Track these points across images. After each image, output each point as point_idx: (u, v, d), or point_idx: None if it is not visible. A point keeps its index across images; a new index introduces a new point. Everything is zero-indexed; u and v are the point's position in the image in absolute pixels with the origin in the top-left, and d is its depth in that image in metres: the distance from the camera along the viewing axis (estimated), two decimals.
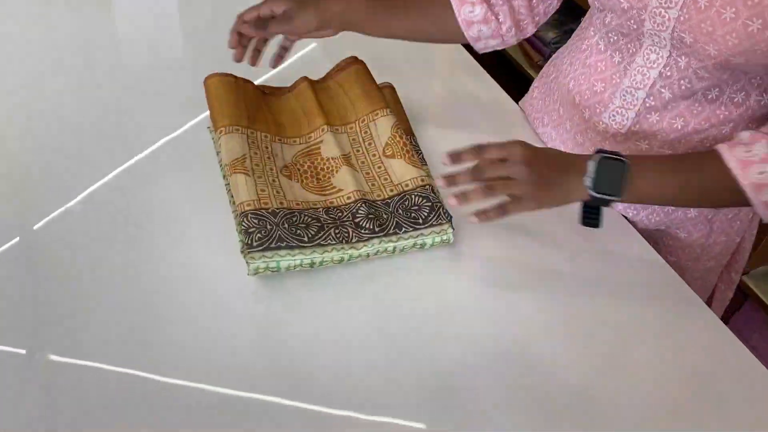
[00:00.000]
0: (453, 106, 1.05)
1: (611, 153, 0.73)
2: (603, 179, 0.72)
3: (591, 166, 0.72)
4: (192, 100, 0.94)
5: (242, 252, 0.76)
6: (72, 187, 0.86)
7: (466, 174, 0.74)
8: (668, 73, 0.79)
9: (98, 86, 1.01)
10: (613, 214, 0.90)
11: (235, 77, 0.91)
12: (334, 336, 0.74)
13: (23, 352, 0.70)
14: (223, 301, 0.76)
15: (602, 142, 0.89)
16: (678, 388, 0.73)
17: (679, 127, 0.82)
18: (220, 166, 0.87)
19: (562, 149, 0.89)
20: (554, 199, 0.74)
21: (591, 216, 0.76)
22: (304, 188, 0.85)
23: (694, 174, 0.75)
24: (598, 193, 0.72)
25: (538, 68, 1.92)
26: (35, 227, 0.81)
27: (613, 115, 0.86)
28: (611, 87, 0.85)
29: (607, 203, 0.74)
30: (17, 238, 0.80)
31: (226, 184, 0.85)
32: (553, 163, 0.75)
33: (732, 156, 0.72)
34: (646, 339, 0.78)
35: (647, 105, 0.83)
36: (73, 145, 0.91)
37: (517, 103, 1.07)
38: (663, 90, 0.80)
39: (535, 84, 1.04)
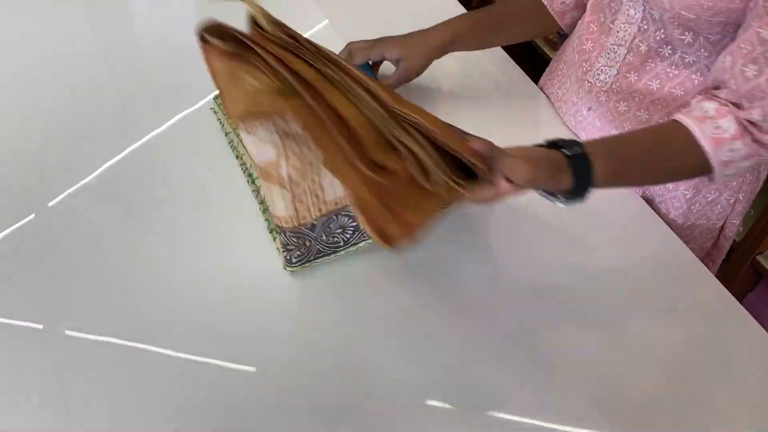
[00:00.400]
0: (470, 83, 1.04)
1: (574, 149, 0.68)
2: (579, 182, 0.68)
3: (571, 179, 0.67)
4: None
5: (283, 266, 0.77)
6: (88, 163, 0.86)
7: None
8: (645, 27, 0.83)
9: (115, 63, 1.01)
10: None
11: (242, 55, 0.65)
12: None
13: (40, 327, 0.71)
14: (244, 277, 0.77)
15: (589, 101, 0.93)
16: (683, 354, 0.75)
17: (655, 89, 0.85)
18: (231, 147, 0.86)
19: (564, 108, 0.99)
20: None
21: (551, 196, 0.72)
22: None
23: (658, 148, 0.74)
24: (574, 197, 0.69)
25: (552, 45, 1.90)
26: (50, 204, 0.82)
27: (598, 74, 0.90)
28: (598, 46, 0.90)
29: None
30: (33, 215, 0.80)
31: (250, 175, 0.84)
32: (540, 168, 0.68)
33: (703, 133, 0.72)
34: (649, 306, 0.79)
35: (627, 61, 0.87)
36: (90, 122, 0.91)
37: (536, 83, 1.07)
38: (641, 44, 0.84)
39: (555, 58, 1.06)
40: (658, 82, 0.85)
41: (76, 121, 0.91)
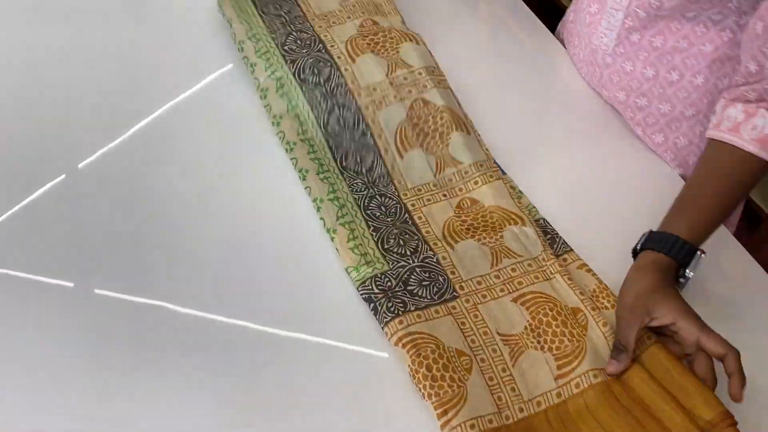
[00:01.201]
0: (492, 44, 1.03)
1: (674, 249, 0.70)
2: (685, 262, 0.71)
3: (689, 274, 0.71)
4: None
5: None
6: (118, 125, 0.87)
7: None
8: None
9: (145, 23, 1.01)
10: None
11: None
12: None
13: (71, 285, 0.72)
14: (276, 239, 0.78)
15: (594, 61, 0.93)
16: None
17: (659, 45, 0.84)
18: (279, 136, 0.85)
19: (574, 71, 0.98)
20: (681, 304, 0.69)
21: None
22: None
23: (716, 179, 0.74)
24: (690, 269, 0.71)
25: None
26: (80, 165, 0.83)
27: (601, 37, 0.90)
28: (602, 9, 0.89)
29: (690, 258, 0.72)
30: (63, 176, 0.82)
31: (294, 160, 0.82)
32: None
33: (744, 140, 0.72)
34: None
35: (626, 26, 0.86)
36: (119, 84, 0.92)
37: (553, 33, 1.07)
38: (638, 9, 0.83)
39: (570, 8, 1.04)
40: (661, 38, 0.84)
41: (109, 82, 0.92)
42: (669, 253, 0.70)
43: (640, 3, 0.82)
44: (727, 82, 0.82)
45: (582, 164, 0.89)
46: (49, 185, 0.80)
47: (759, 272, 0.82)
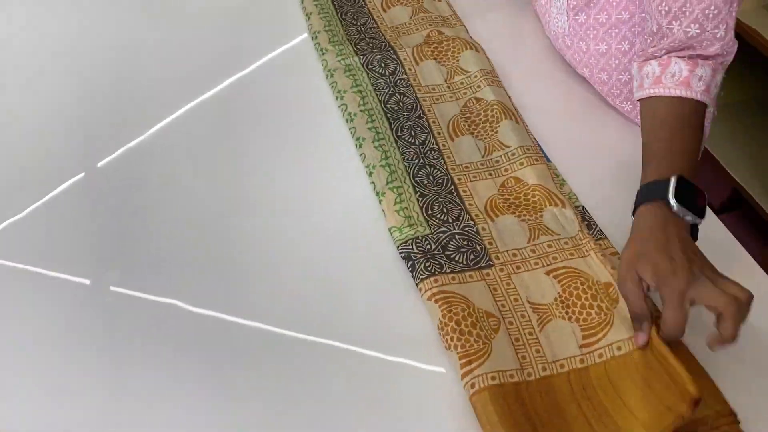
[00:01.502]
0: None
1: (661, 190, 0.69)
2: (686, 202, 0.69)
3: (679, 211, 0.69)
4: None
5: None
6: (138, 124, 0.88)
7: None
8: None
9: (169, 25, 1.03)
10: None
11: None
12: None
13: (88, 282, 0.73)
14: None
15: (558, 45, 1.00)
16: None
17: (604, 20, 0.90)
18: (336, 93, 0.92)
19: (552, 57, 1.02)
20: (702, 264, 0.66)
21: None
22: None
23: (666, 127, 0.75)
24: (690, 210, 0.69)
25: None
26: (100, 164, 0.84)
27: (555, 22, 0.97)
28: None
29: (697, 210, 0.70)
30: (82, 174, 0.83)
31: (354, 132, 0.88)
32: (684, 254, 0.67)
33: (668, 90, 0.76)
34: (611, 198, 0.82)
35: (571, 6, 0.93)
36: (141, 84, 0.93)
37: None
38: None
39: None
40: (605, 13, 0.90)
41: (130, 82, 0.93)
42: (646, 199, 0.69)
43: None
44: None
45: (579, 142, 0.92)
46: (68, 183, 0.81)
47: None
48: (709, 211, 0.85)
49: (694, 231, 0.71)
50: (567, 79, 1.00)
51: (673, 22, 0.77)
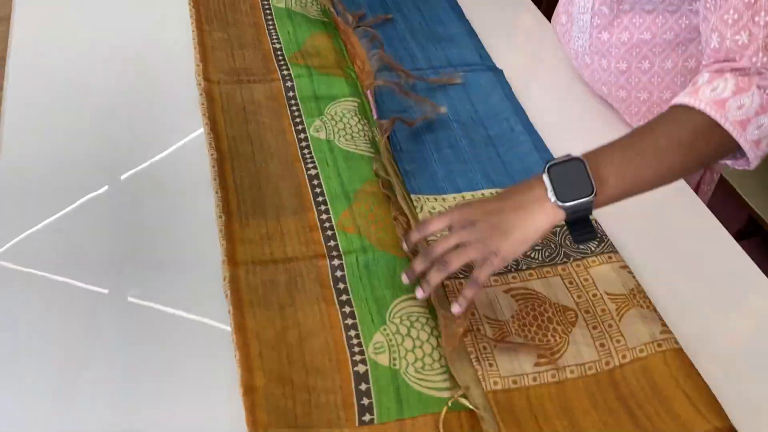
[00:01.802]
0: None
1: (560, 158, 0.67)
2: (564, 186, 0.65)
3: (546, 181, 0.66)
4: None
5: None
6: (162, 139, 0.89)
7: (419, 261, 0.69)
8: None
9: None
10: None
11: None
12: None
13: (106, 291, 0.74)
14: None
15: (578, 63, 1.02)
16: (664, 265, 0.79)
17: (626, 40, 0.92)
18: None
19: (571, 75, 1.03)
20: (521, 240, 0.66)
21: (581, 230, 0.68)
22: None
23: (665, 130, 0.69)
24: (567, 201, 0.65)
25: None
26: (123, 177, 0.85)
27: (576, 39, 0.99)
28: (570, 18, 1.01)
29: (586, 209, 0.66)
30: (106, 186, 0.84)
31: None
32: (501, 206, 0.67)
33: (698, 100, 0.68)
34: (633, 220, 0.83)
35: (595, 24, 0.94)
36: (166, 99, 0.95)
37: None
38: (602, 7, 0.92)
39: (559, 8, 1.11)
40: (627, 33, 0.91)
41: (154, 96, 0.95)
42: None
43: (603, 0, 0.91)
44: (694, 62, 0.89)
45: None
46: (91, 194, 0.83)
47: None
48: (729, 237, 0.85)
49: (576, 226, 0.67)
50: (585, 97, 1.02)
51: (712, 34, 0.72)
